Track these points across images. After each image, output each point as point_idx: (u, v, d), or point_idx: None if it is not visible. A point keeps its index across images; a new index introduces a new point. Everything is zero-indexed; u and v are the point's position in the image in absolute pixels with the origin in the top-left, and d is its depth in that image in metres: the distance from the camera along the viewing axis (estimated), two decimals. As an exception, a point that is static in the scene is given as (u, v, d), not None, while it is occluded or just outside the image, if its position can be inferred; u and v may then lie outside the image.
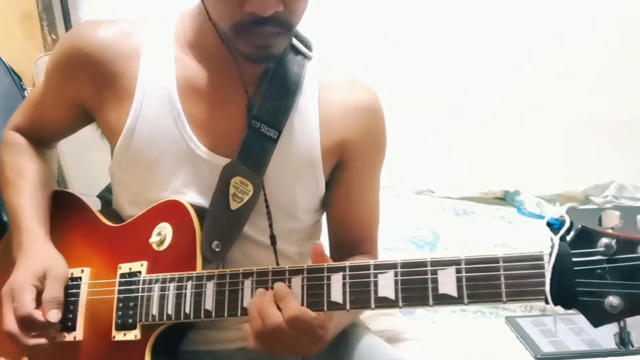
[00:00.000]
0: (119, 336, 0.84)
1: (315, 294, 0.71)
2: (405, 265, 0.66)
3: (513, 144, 2.46)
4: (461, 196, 2.52)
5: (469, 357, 1.30)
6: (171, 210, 0.87)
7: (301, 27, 0.92)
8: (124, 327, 0.84)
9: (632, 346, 0.57)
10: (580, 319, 1.48)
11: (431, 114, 2.52)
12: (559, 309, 0.59)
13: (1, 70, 1.54)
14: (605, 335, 1.38)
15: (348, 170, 0.93)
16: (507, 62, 2.47)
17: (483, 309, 1.63)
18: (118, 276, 0.87)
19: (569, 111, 2.44)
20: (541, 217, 2.37)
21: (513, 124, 2.47)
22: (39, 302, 0.84)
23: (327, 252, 0.79)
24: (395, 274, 0.66)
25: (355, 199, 0.96)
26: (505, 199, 2.53)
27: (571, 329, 1.47)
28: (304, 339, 0.72)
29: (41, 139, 1.03)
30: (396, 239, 1.93)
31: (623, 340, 0.57)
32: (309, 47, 0.94)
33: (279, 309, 0.71)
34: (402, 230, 2.03)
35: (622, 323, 0.57)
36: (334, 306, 0.70)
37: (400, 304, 0.66)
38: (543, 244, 0.61)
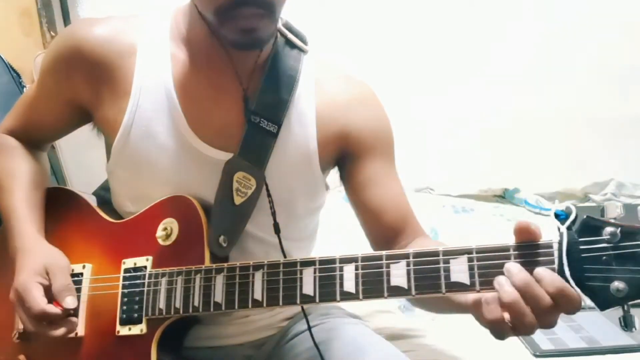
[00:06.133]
0: (123, 331, 0.84)
1: (328, 284, 0.72)
2: (417, 255, 0.68)
3: (512, 141, 2.43)
4: (460, 194, 2.48)
5: (468, 354, 1.30)
6: (177, 206, 0.87)
7: (296, 22, 0.94)
8: (129, 321, 0.84)
9: (635, 329, 0.61)
10: (579, 317, 1.47)
11: (430, 112, 2.50)
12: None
13: (0, 68, 1.52)
14: (604, 333, 1.40)
15: (362, 160, 0.93)
16: (506, 60, 2.46)
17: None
18: (122, 271, 0.86)
19: (569, 109, 2.42)
20: (536, 207, 2.37)
21: (512, 121, 2.45)
22: (48, 298, 0.83)
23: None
24: (408, 264, 0.68)
25: (382, 184, 0.93)
26: (504, 196, 2.51)
27: (570, 326, 1.45)
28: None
29: (34, 140, 1.02)
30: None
31: (627, 322, 0.60)
32: (304, 41, 0.94)
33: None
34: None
35: (626, 307, 0.60)
36: (347, 296, 0.70)
37: (413, 292, 0.67)
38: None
